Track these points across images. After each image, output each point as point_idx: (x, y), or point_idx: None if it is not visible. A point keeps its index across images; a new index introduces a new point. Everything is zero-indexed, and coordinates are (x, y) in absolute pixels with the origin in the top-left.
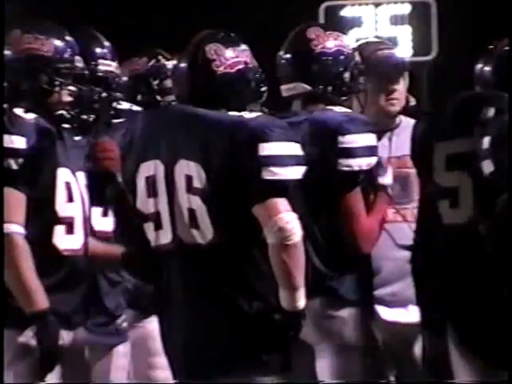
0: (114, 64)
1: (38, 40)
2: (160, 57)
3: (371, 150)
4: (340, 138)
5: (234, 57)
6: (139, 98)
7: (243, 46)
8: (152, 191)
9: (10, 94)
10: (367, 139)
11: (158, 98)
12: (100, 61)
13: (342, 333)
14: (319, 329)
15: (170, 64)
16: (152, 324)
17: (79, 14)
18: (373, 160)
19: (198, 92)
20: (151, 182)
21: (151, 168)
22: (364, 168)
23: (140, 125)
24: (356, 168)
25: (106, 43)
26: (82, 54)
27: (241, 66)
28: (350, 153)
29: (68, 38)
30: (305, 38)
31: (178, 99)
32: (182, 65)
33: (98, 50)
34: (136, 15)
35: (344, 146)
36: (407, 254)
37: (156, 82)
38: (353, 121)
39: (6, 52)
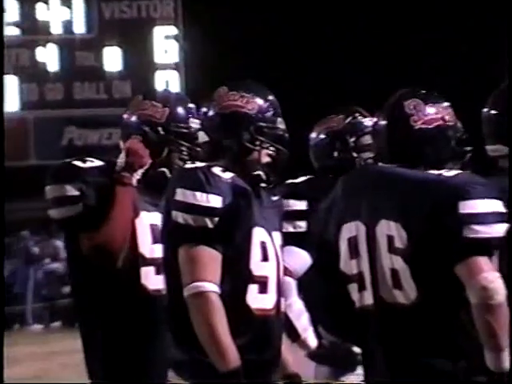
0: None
1: (244, 98)
2: (357, 114)
3: None
4: None
5: (432, 113)
6: (335, 154)
7: (445, 104)
8: (354, 252)
9: (211, 150)
10: None
11: (354, 154)
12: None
13: None
14: None
15: (366, 121)
16: (349, 381)
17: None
18: None
19: (396, 147)
20: (353, 243)
21: (353, 229)
22: None
23: (340, 186)
24: None
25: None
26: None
27: (439, 123)
28: None
29: (271, 98)
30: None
31: (377, 156)
32: (382, 121)
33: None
34: (334, 74)
35: None
36: None
37: (352, 139)
38: None
39: (211, 109)
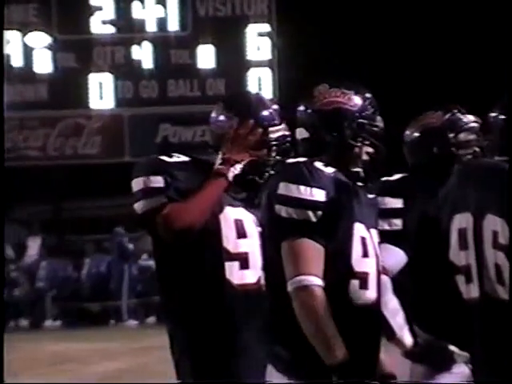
0: None
1: (345, 95)
2: (455, 110)
3: None
4: None
5: None
6: (435, 150)
7: None
8: (464, 244)
9: (312, 146)
10: None
11: (454, 150)
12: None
13: None
14: None
15: (465, 118)
16: (445, 380)
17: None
18: None
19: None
20: (463, 235)
21: (463, 220)
22: None
23: (455, 176)
24: None
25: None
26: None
27: None
28: None
29: (369, 95)
30: None
31: (488, 151)
32: (500, 116)
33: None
34: (427, 73)
35: None
36: None
37: (452, 135)
38: None
39: (312, 106)
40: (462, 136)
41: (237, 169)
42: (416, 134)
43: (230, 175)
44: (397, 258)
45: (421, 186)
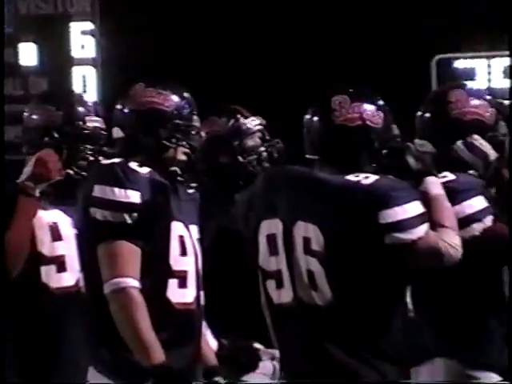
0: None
1: (161, 95)
2: (239, 115)
3: None
4: None
5: (356, 112)
6: (221, 159)
7: (376, 105)
8: (273, 249)
9: (127, 146)
10: None
11: (240, 158)
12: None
13: None
14: None
15: (249, 123)
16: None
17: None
18: None
19: (317, 142)
20: (272, 240)
21: (272, 226)
22: None
23: (260, 181)
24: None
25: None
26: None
27: (360, 123)
28: None
29: (187, 95)
30: (444, 100)
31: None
32: (314, 118)
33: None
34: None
35: None
36: None
37: (237, 143)
38: None
39: (127, 105)
40: (247, 142)
41: (43, 186)
42: (202, 140)
43: (37, 193)
44: None
45: (212, 197)
